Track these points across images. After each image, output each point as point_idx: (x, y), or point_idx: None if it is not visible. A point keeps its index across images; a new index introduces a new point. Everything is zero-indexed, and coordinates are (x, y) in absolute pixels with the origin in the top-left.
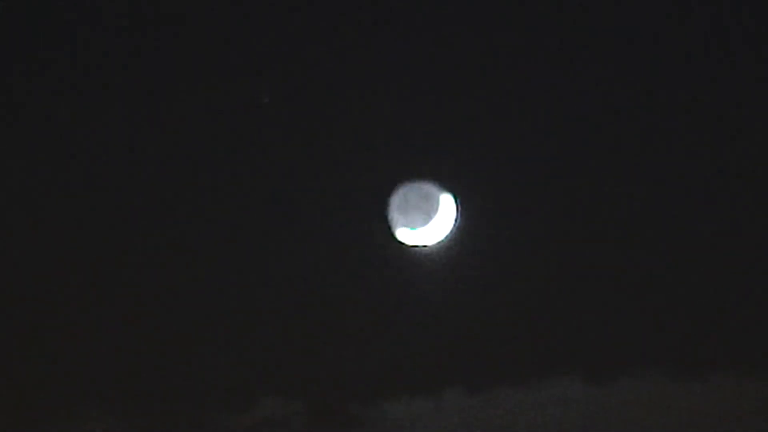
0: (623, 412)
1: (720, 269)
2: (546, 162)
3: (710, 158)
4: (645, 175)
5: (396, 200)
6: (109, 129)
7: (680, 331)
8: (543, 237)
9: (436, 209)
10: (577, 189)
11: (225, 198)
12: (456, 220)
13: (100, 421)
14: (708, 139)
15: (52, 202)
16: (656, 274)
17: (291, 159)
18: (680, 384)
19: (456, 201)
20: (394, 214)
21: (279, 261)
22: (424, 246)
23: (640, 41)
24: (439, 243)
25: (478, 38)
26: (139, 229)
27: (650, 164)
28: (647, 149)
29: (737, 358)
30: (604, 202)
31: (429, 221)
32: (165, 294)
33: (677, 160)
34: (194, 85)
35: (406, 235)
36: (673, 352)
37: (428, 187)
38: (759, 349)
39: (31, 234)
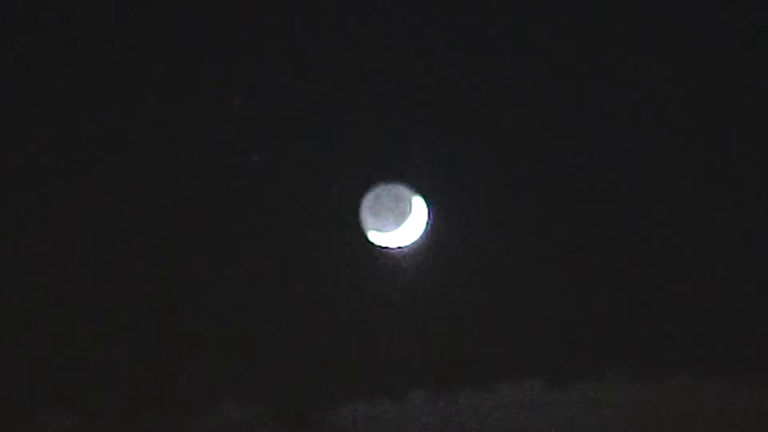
0: (585, 414)
1: (678, 273)
2: (519, 163)
3: (681, 164)
4: (617, 176)
5: (368, 202)
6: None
7: (641, 333)
8: (513, 240)
9: (408, 211)
10: (548, 191)
11: (194, 199)
12: (427, 222)
13: (60, 423)
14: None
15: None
16: (619, 278)
17: (262, 160)
18: (640, 386)
19: (427, 203)
20: (366, 216)
21: (247, 263)
22: (396, 248)
23: (611, 36)
24: (410, 245)
25: (449, 39)
26: (106, 230)
27: (623, 165)
28: (621, 149)
29: (697, 360)
30: (574, 203)
31: (401, 223)
32: (127, 297)
33: (644, 160)
34: (161, 88)
35: (378, 236)
36: (634, 354)
37: (400, 189)
38: (719, 351)
39: None
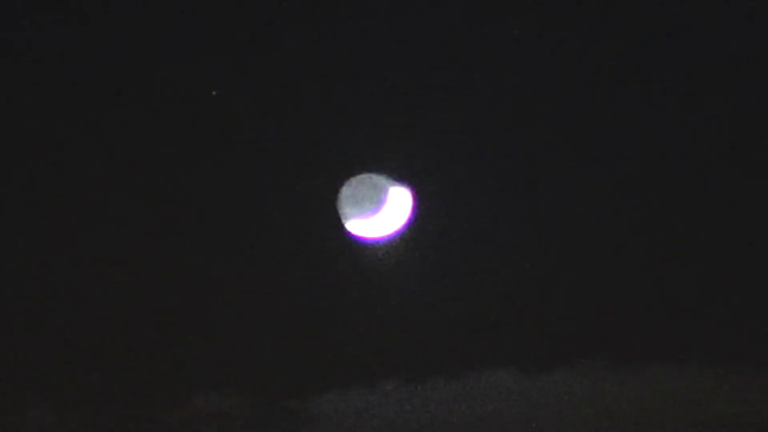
0: (557, 404)
1: (653, 260)
2: (501, 152)
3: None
4: (600, 169)
5: (347, 191)
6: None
7: (614, 322)
8: (486, 228)
9: (387, 201)
10: (526, 179)
11: (171, 190)
12: (407, 212)
13: (35, 414)
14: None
15: None
16: (593, 268)
17: (242, 151)
18: (614, 375)
19: (407, 192)
20: (345, 206)
21: (226, 254)
22: (375, 237)
23: (591, 28)
24: (389, 235)
25: (430, 28)
26: (86, 228)
27: (608, 156)
28: (607, 139)
29: (672, 349)
30: (555, 194)
31: (379, 213)
32: (103, 288)
33: (626, 153)
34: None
35: (357, 226)
36: (606, 343)
37: (379, 179)
38: (693, 339)
39: None
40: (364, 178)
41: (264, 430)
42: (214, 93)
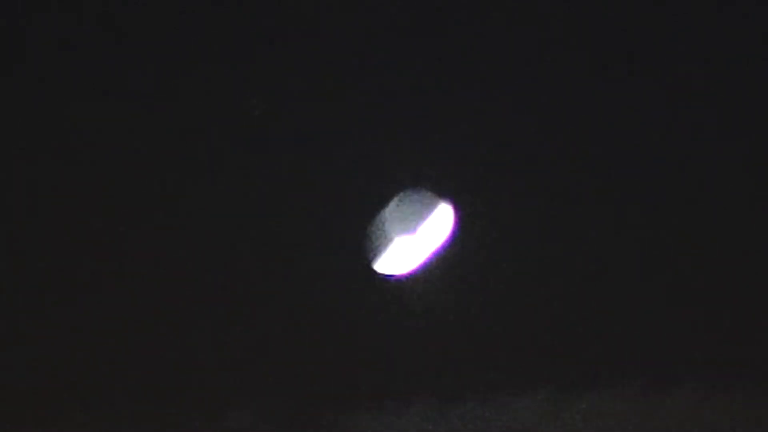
0: (594, 427)
1: (688, 282)
2: (533, 173)
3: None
4: (621, 181)
5: (376, 226)
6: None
7: (650, 344)
8: (517, 250)
9: (428, 219)
10: (558, 200)
11: (199, 217)
12: (446, 231)
13: (62, 427)
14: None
15: None
16: (632, 289)
17: (263, 179)
18: (650, 396)
19: (449, 210)
20: (373, 241)
21: (262, 276)
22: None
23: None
24: (427, 257)
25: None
26: (112, 238)
27: (630, 169)
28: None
29: (706, 370)
30: (582, 212)
31: (408, 248)
32: (136, 303)
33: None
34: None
35: (395, 246)
36: (643, 364)
37: (421, 196)
38: (728, 360)
39: None
40: (405, 197)
41: None
42: (248, 105)
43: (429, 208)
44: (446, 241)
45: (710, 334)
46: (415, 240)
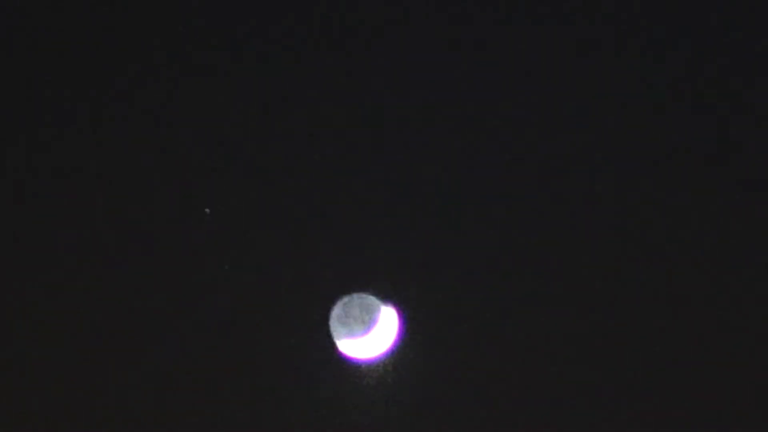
0: None
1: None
2: (490, 277)
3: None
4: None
5: (336, 311)
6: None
7: None
8: (485, 348)
9: (378, 321)
10: (525, 294)
11: (167, 300)
12: (398, 333)
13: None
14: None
15: None
16: (591, 395)
17: (228, 265)
18: None
19: (398, 313)
20: (335, 326)
21: (215, 373)
22: (366, 359)
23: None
24: (380, 356)
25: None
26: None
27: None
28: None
29: None
30: (548, 310)
31: (370, 333)
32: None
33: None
34: None
35: (347, 347)
36: None
37: (369, 299)
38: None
39: None
40: (355, 297)
41: None
42: (207, 210)
43: (379, 310)
44: (397, 341)
45: None
46: (366, 340)
